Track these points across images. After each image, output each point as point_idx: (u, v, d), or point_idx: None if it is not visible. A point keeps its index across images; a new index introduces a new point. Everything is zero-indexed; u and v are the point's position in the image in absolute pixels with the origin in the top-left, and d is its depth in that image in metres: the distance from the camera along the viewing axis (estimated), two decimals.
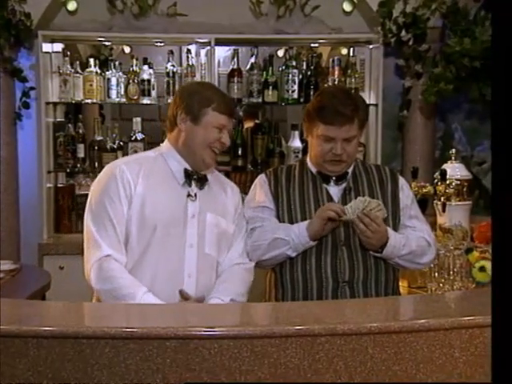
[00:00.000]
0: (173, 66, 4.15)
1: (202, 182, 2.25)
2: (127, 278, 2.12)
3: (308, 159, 2.44)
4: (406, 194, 2.44)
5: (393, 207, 2.39)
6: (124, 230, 2.14)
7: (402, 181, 2.46)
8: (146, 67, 4.14)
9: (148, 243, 2.15)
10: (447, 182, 3.06)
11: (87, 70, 4.09)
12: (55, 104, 4.19)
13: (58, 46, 4.18)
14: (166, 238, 2.16)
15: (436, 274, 2.47)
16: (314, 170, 2.41)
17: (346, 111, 2.25)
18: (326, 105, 2.28)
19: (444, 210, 3.03)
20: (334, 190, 2.38)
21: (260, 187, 2.43)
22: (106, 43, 4.41)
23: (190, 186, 2.22)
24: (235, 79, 4.15)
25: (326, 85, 4.16)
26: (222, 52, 4.43)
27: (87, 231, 2.17)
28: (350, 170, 2.40)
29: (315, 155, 2.36)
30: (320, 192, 2.37)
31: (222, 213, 2.28)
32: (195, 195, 2.22)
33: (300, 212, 2.35)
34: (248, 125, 4.51)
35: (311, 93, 4.11)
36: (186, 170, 2.22)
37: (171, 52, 4.19)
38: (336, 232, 2.32)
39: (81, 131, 4.18)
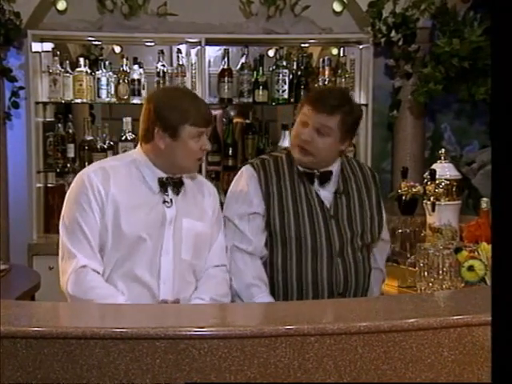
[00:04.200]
0: (163, 65, 4.15)
1: (178, 186, 2.19)
2: (105, 288, 2.09)
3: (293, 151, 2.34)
4: (381, 199, 2.45)
5: (378, 214, 2.39)
6: (98, 239, 2.11)
7: (378, 184, 2.45)
8: (136, 67, 4.13)
9: (124, 252, 2.11)
10: (437, 181, 3.07)
11: (77, 69, 4.08)
12: (45, 104, 4.18)
13: (48, 46, 4.16)
14: (143, 245, 2.12)
15: (425, 274, 2.48)
16: (300, 168, 2.32)
17: (330, 101, 2.22)
18: (318, 93, 2.33)
19: (433, 210, 3.04)
20: (325, 194, 2.32)
21: (249, 182, 2.31)
22: (96, 43, 4.40)
23: (166, 193, 2.18)
24: (225, 79, 4.15)
25: (316, 85, 4.17)
26: (212, 52, 4.43)
27: (61, 243, 2.13)
28: (334, 170, 2.33)
29: (292, 137, 2.33)
30: (310, 195, 2.30)
31: (199, 216, 2.23)
32: (171, 201, 2.18)
33: (293, 217, 2.27)
34: (237, 120, 4.51)
35: (301, 93, 4.12)
36: (160, 179, 2.17)
37: (161, 52, 4.19)
38: (331, 241, 2.28)
39: (71, 131, 4.18)
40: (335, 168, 2.34)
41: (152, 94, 2.44)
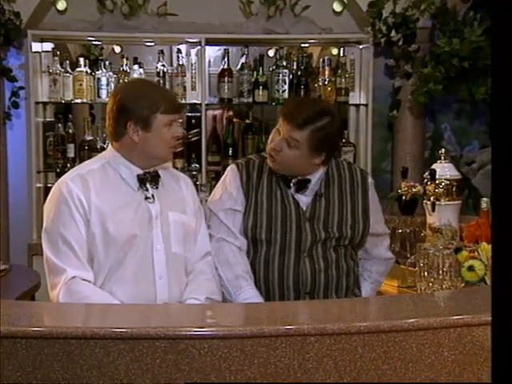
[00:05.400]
0: (163, 65, 4.15)
1: (155, 180, 2.18)
2: (99, 295, 2.06)
3: None
4: (375, 200, 2.42)
5: (363, 217, 2.35)
6: (85, 248, 2.08)
7: (371, 188, 2.41)
8: (136, 67, 4.13)
9: (117, 257, 2.09)
10: (437, 181, 3.07)
11: (77, 69, 4.08)
12: (45, 104, 4.18)
13: (48, 46, 4.16)
14: (134, 246, 2.11)
15: (425, 274, 2.48)
16: (278, 173, 2.32)
17: (301, 115, 2.19)
18: (292, 107, 2.29)
19: (433, 210, 3.04)
20: (302, 197, 2.31)
21: (232, 180, 2.33)
22: (96, 43, 4.40)
23: (146, 190, 2.16)
24: (225, 79, 4.15)
25: (316, 85, 4.18)
26: (212, 52, 4.44)
27: (46, 258, 2.10)
28: (313, 179, 2.31)
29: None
30: (286, 198, 2.30)
31: (182, 208, 2.23)
32: (153, 196, 2.16)
33: (266, 218, 2.28)
34: (237, 120, 4.51)
35: (301, 93, 4.12)
36: (138, 176, 2.15)
37: (161, 52, 4.19)
38: (302, 241, 2.27)
39: (71, 131, 4.18)
40: (316, 176, 2.32)
41: (116, 88, 2.43)
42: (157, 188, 2.18)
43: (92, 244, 2.08)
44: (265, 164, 2.35)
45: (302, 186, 2.31)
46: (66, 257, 2.06)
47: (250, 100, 4.19)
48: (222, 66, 4.20)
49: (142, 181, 2.15)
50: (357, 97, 4.26)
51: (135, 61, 4.17)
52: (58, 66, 4.06)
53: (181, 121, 2.20)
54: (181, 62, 4.16)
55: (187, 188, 2.30)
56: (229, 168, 2.39)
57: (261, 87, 4.16)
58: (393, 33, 4.07)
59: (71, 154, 4.14)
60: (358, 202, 2.36)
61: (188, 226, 2.23)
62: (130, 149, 2.14)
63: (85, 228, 2.07)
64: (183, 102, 4.10)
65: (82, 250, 2.07)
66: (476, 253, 2.51)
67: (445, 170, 3.18)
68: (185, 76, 4.13)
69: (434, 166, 3.18)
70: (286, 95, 4.14)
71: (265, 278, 2.30)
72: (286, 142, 2.22)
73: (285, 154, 2.24)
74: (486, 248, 2.48)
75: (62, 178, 2.16)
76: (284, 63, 4.18)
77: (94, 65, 4.22)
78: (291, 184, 2.31)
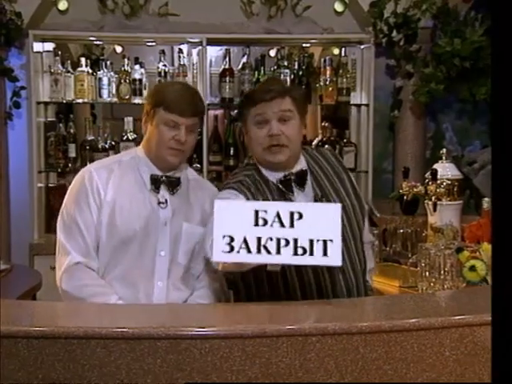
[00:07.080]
0: (164, 65, 4.15)
1: (173, 185, 2.17)
2: (98, 286, 2.10)
3: (259, 166, 2.18)
4: (354, 182, 2.30)
5: (357, 200, 2.24)
6: (94, 237, 2.12)
7: (346, 167, 2.31)
8: (137, 67, 4.13)
9: (118, 250, 2.11)
10: (438, 181, 3.07)
11: (78, 69, 4.08)
12: (46, 104, 4.18)
13: (49, 46, 4.17)
14: (137, 245, 2.11)
15: (427, 274, 2.48)
16: (273, 179, 2.15)
17: (274, 87, 2.11)
18: (255, 90, 2.28)
19: (435, 210, 3.04)
20: (307, 200, 2.16)
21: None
22: (98, 43, 4.40)
23: (158, 192, 2.15)
24: (227, 79, 4.15)
25: (317, 85, 4.18)
26: (213, 52, 4.44)
27: (58, 239, 2.16)
28: (305, 168, 2.17)
29: (254, 146, 2.12)
30: None
31: (202, 221, 2.19)
32: (166, 201, 2.15)
33: None
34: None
35: None
36: (152, 176, 2.16)
37: (163, 52, 4.19)
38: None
39: (72, 131, 4.18)
40: (303, 165, 2.19)
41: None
42: (173, 194, 2.17)
43: (98, 231, 2.12)
44: (255, 179, 2.17)
45: (302, 179, 2.17)
46: (75, 242, 2.11)
47: None
48: (223, 66, 4.20)
49: (154, 182, 2.16)
50: (358, 97, 4.26)
51: (136, 61, 4.17)
52: (60, 65, 4.06)
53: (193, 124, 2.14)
54: (182, 62, 4.16)
55: (211, 201, 2.19)
56: (225, 194, 2.12)
57: None
58: (394, 33, 4.07)
59: (72, 153, 4.14)
60: (346, 183, 2.25)
61: (202, 238, 2.16)
62: (145, 145, 2.19)
63: (97, 216, 2.12)
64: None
65: (91, 239, 2.12)
66: (478, 253, 2.51)
67: (446, 170, 3.18)
68: (186, 76, 4.13)
69: (435, 166, 3.18)
70: None
71: (317, 286, 2.15)
72: (280, 119, 2.09)
73: (288, 132, 2.09)
74: (487, 248, 2.48)
75: (89, 165, 2.25)
76: (285, 63, 4.18)
77: (95, 65, 4.22)
78: (292, 183, 2.15)
